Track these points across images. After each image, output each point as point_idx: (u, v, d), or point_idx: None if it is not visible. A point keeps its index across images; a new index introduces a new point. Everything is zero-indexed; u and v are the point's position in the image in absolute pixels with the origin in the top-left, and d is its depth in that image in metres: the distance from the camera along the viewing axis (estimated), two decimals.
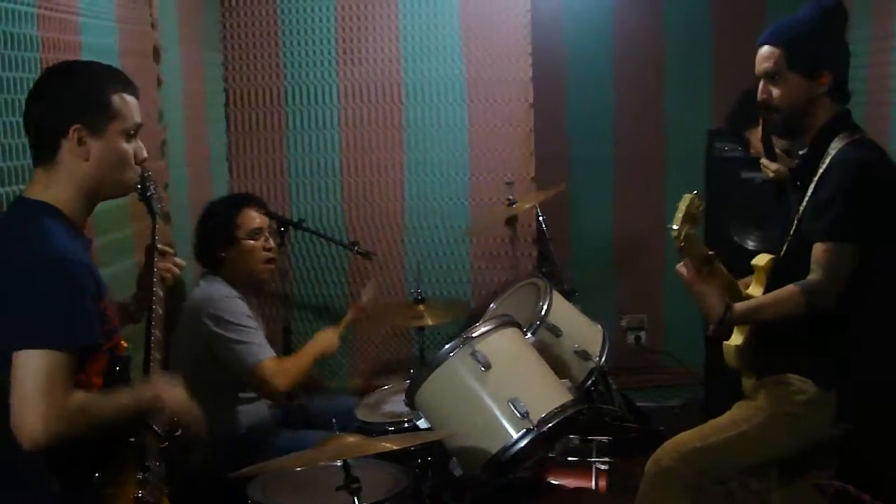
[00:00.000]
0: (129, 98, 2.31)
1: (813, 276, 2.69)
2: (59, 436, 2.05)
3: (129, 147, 2.30)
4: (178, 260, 2.60)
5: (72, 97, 2.24)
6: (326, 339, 3.60)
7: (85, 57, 3.02)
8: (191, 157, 4.16)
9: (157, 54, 3.72)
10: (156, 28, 3.71)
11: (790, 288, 2.72)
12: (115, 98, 2.27)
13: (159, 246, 2.56)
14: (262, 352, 3.35)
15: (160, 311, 2.50)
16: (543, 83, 4.93)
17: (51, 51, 2.78)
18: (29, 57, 2.65)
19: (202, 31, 4.48)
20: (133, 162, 2.32)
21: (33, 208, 2.20)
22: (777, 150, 3.46)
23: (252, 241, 3.50)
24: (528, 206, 4.45)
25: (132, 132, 2.31)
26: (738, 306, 2.77)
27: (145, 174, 2.51)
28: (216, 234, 3.50)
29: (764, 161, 3.50)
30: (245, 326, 3.37)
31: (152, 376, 2.42)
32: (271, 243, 3.59)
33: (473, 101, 4.79)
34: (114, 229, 2.91)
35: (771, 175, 3.48)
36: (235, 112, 4.81)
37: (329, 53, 4.76)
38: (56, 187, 2.22)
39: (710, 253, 2.77)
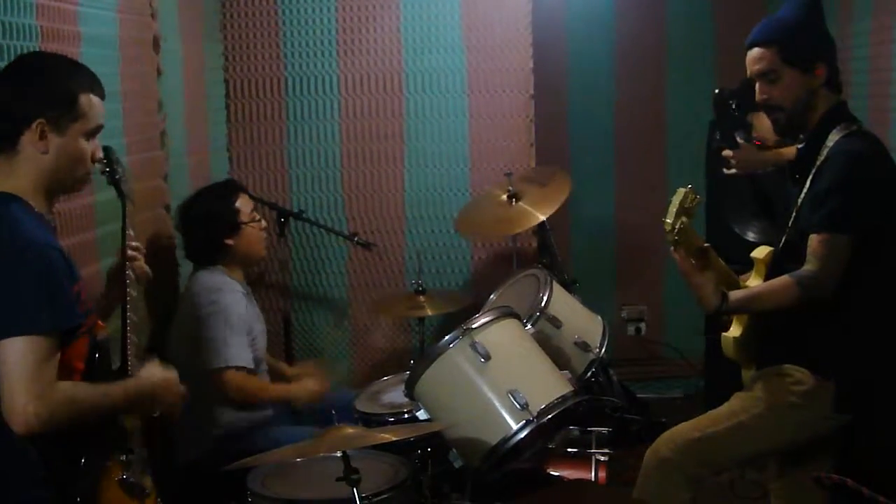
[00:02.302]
0: (95, 99, 2.34)
1: (808, 267, 2.71)
2: (51, 420, 2.07)
3: (87, 146, 2.33)
4: (145, 267, 2.65)
5: (40, 90, 2.25)
6: (303, 391, 3.59)
7: (85, 47, 3.02)
8: (191, 147, 4.16)
9: (156, 44, 3.71)
10: (155, 18, 3.70)
11: (784, 279, 2.73)
12: (83, 98, 2.30)
13: (130, 249, 2.58)
14: (234, 358, 3.37)
15: (134, 294, 2.53)
16: (544, 74, 4.91)
17: (50, 40, 2.77)
18: (28, 46, 2.64)
19: (202, 21, 4.47)
20: (88, 161, 2.36)
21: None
22: (740, 140, 3.53)
23: (253, 224, 3.60)
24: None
25: (93, 133, 2.34)
26: (734, 295, 2.78)
27: (112, 156, 2.55)
28: (222, 225, 3.55)
29: (726, 152, 3.54)
30: (232, 326, 3.39)
31: (144, 367, 2.43)
32: (264, 223, 3.71)
33: (474, 91, 4.78)
34: (80, 231, 2.92)
35: (733, 165, 3.53)
36: (235, 102, 4.79)
37: (329, 44, 4.75)
38: (17, 177, 2.24)
39: (706, 245, 2.77)
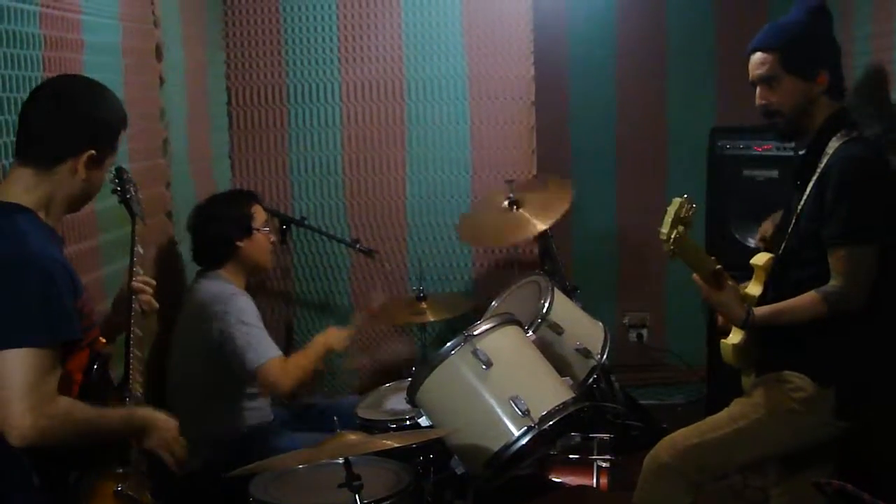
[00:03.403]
0: (123, 134, 2.41)
1: (833, 283, 2.71)
2: (47, 434, 2.07)
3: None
4: (154, 302, 2.64)
5: (99, 122, 2.32)
6: (334, 336, 3.62)
7: (88, 55, 3.03)
8: (193, 155, 4.17)
9: (159, 52, 3.72)
10: (158, 26, 3.71)
11: (811, 295, 2.73)
12: (122, 134, 2.38)
13: (136, 282, 2.59)
14: (267, 352, 3.38)
15: (138, 309, 2.54)
16: (545, 81, 4.92)
17: (53, 49, 2.78)
18: (31, 55, 2.66)
19: (204, 29, 4.48)
20: None
21: (6, 209, 2.21)
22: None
23: (264, 232, 3.65)
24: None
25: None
26: (759, 311, 2.79)
27: (124, 176, 2.61)
28: (235, 224, 3.59)
29: None
30: (252, 325, 3.41)
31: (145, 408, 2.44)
32: (273, 237, 3.76)
33: (475, 98, 4.78)
34: (82, 239, 2.93)
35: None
36: (238, 110, 4.81)
37: (331, 51, 4.76)
38: (40, 193, 2.26)
39: (718, 268, 2.79)
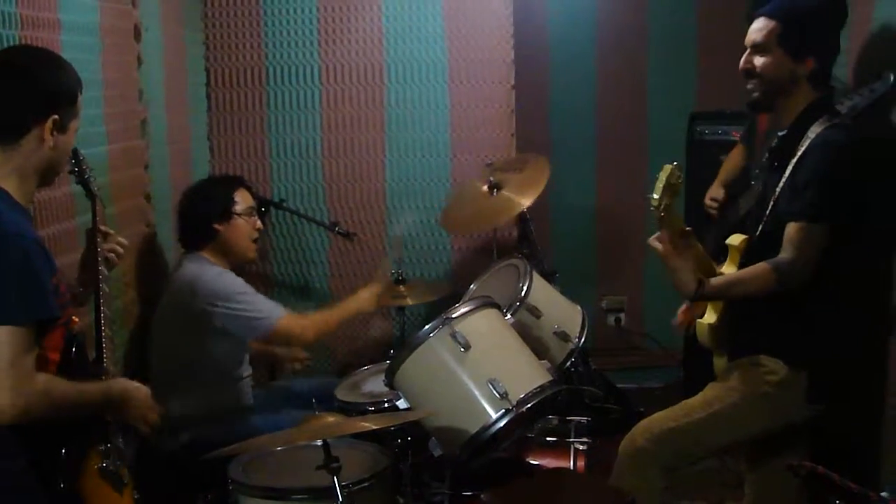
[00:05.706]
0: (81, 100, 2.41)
1: (784, 255, 2.73)
2: (25, 411, 2.08)
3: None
4: (120, 239, 2.69)
5: (58, 87, 2.30)
6: (365, 299, 3.71)
7: (65, 35, 3.01)
8: (172, 136, 4.14)
9: (137, 33, 3.69)
10: (136, 6, 3.68)
11: (762, 265, 2.75)
12: (80, 98, 2.37)
13: (102, 228, 2.63)
14: (274, 311, 3.45)
15: (107, 289, 2.55)
16: (526, 64, 4.92)
17: (30, 28, 2.76)
18: (8, 35, 2.63)
19: (183, 10, 4.45)
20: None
21: None
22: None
23: (246, 218, 3.60)
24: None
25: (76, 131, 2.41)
26: (712, 281, 2.80)
27: (80, 157, 2.62)
28: (215, 207, 3.57)
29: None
30: (248, 294, 3.45)
31: (119, 380, 2.46)
32: (259, 224, 3.70)
33: (455, 82, 4.78)
34: (59, 221, 2.92)
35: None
36: (217, 91, 4.78)
37: (311, 33, 4.74)
38: (10, 168, 2.25)
39: (687, 229, 2.79)
